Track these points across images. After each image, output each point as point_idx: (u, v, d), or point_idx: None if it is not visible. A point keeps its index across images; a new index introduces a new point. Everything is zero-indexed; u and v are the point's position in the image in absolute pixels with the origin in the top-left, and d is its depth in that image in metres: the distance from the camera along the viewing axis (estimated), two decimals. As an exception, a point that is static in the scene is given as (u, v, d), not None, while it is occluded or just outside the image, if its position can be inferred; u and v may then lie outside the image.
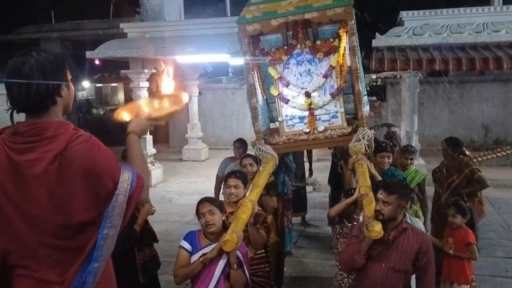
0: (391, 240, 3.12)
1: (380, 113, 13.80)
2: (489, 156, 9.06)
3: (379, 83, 15.42)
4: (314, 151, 10.54)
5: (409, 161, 5.36)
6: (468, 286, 4.33)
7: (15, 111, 1.85)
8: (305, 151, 7.78)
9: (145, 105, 2.38)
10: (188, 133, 13.49)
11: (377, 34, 9.15)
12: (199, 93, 13.53)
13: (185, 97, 2.39)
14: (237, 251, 3.09)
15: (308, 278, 5.55)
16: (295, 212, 6.61)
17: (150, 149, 10.87)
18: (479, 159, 8.33)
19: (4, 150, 1.81)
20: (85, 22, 15.31)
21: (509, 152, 9.41)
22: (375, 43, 8.93)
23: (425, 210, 5.31)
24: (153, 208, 3.88)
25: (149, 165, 10.47)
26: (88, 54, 10.08)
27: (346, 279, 3.99)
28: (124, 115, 2.28)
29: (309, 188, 8.74)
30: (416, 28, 8.95)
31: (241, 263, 3.16)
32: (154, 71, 10.76)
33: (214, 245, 3.14)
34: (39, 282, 1.84)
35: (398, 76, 12.13)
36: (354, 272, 3.36)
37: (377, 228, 2.91)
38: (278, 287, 4.85)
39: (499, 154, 9.38)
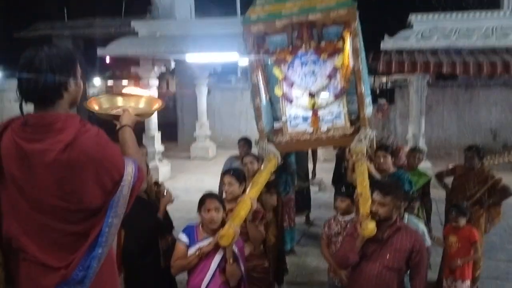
0: (385, 238, 3.16)
1: (388, 115, 13.77)
2: (496, 161, 9.01)
3: (388, 86, 15.36)
4: (320, 152, 10.59)
5: (417, 161, 5.34)
6: (470, 281, 4.38)
7: (24, 101, 1.95)
8: (309, 153, 7.81)
9: (107, 101, 2.47)
10: (197, 131, 13.56)
11: (385, 36, 9.16)
12: (208, 92, 13.60)
13: (159, 103, 2.50)
14: (234, 246, 3.16)
15: (310, 276, 5.60)
16: (298, 211, 6.66)
17: (158, 146, 10.95)
18: (486, 163, 8.29)
19: (13, 139, 1.91)
20: (97, 20, 15.46)
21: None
22: (383, 45, 8.94)
23: (429, 211, 5.36)
24: (172, 198, 4.12)
25: (157, 162, 10.58)
26: (99, 51, 10.19)
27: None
28: (94, 106, 2.38)
29: (314, 189, 8.77)
30: (425, 31, 8.95)
31: (237, 258, 3.22)
32: (163, 69, 10.88)
33: (210, 239, 3.22)
34: (43, 267, 1.92)
35: (408, 80, 12.14)
36: (349, 269, 3.41)
37: (370, 226, 2.96)
38: (278, 285, 4.90)
39: (506, 159, 9.34)
